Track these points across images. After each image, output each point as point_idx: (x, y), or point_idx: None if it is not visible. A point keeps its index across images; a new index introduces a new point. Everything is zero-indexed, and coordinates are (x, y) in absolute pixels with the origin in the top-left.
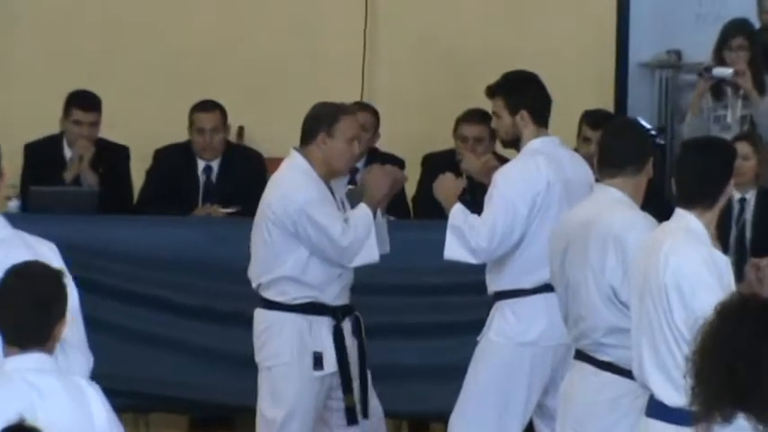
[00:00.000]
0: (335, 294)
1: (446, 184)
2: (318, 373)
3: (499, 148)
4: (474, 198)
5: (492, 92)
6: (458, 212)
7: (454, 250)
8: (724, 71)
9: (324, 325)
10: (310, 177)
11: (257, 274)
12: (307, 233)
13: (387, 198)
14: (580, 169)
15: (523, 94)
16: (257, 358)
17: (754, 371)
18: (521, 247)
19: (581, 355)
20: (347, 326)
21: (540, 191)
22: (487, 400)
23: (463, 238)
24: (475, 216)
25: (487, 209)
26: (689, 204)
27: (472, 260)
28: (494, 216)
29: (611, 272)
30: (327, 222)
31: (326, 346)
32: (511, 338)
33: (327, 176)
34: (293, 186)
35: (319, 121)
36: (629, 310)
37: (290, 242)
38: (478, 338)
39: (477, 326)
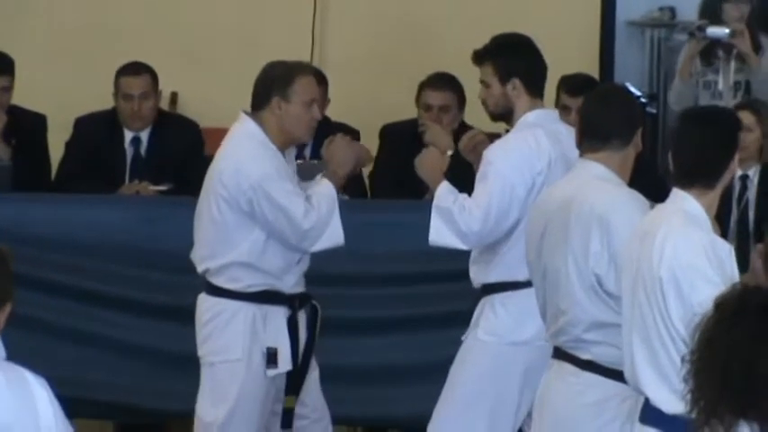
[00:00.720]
0: (294, 282)
1: (430, 160)
2: (272, 372)
3: (468, 117)
4: (453, 176)
5: (479, 57)
6: (445, 192)
7: (441, 234)
8: (720, 31)
9: (279, 316)
10: (266, 147)
11: (204, 257)
12: (263, 213)
13: (348, 176)
14: None
15: (516, 60)
16: (200, 352)
17: (751, 376)
18: (515, 233)
19: (559, 354)
20: (302, 318)
21: (541, 170)
22: (476, 404)
23: (452, 220)
24: (465, 196)
25: (481, 188)
26: (687, 183)
27: (461, 245)
28: (489, 197)
29: (595, 258)
30: (287, 201)
31: (282, 340)
32: (502, 337)
33: (284, 145)
34: (247, 158)
35: (272, 84)
36: (615, 302)
37: (245, 223)
38: (463, 337)
39: (446, 320)
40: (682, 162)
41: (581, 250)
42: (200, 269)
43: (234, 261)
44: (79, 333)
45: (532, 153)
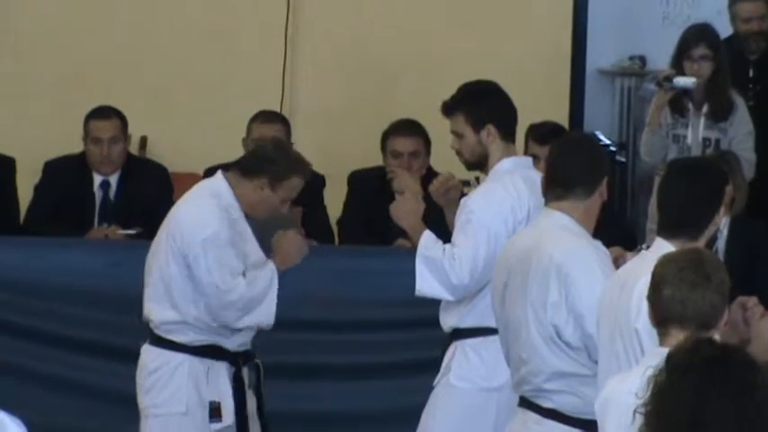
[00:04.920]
0: (240, 341)
1: (406, 207)
2: (216, 426)
3: (433, 162)
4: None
5: (449, 108)
6: (430, 241)
7: (429, 285)
8: (687, 81)
9: (222, 371)
10: (227, 211)
11: (151, 308)
12: (199, 271)
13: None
14: None
15: (488, 107)
16: (143, 403)
17: (696, 426)
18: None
19: (523, 402)
20: (246, 375)
21: (521, 219)
22: None
23: (442, 271)
24: (449, 246)
25: (464, 239)
26: (671, 234)
27: (449, 297)
28: (475, 248)
29: (553, 308)
30: (221, 269)
31: (225, 395)
32: (475, 383)
33: (248, 215)
34: (205, 214)
35: (270, 167)
36: (574, 352)
37: (189, 283)
38: (435, 382)
39: (415, 366)
40: (668, 213)
41: (539, 300)
42: (145, 317)
43: (179, 318)
44: (47, 377)
45: (514, 202)
